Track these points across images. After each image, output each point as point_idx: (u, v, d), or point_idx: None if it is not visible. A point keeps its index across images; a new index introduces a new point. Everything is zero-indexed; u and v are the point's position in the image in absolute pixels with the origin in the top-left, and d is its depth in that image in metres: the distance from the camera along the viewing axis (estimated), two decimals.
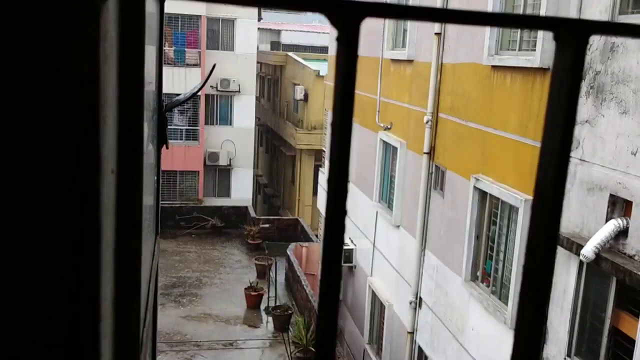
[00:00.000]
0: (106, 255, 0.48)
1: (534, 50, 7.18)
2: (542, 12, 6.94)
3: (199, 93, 24.62)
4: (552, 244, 0.49)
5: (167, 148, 1.56)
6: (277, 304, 16.53)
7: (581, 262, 6.11)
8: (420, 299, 10.40)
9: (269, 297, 16.80)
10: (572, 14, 6.38)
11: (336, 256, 0.48)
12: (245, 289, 17.22)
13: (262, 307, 17.02)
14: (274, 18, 44.45)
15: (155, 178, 1.50)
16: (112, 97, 0.49)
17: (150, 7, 1.24)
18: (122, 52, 0.55)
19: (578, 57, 0.47)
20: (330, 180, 0.45)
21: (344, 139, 0.47)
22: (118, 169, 0.58)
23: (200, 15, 24.70)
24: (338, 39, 0.46)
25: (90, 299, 0.47)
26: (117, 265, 0.61)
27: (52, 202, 0.40)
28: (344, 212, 0.48)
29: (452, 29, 9.45)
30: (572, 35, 0.46)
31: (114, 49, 0.49)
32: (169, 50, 24.63)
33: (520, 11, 7.70)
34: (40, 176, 0.40)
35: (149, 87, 1.28)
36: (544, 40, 6.90)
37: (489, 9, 8.11)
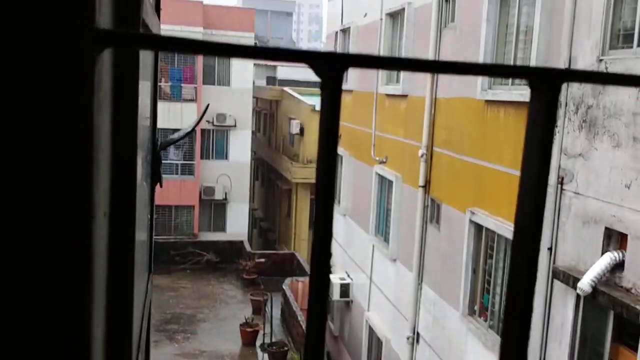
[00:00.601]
0: (98, 297, 0.49)
1: (527, 85, 7.29)
2: (534, 48, 7.07)
3: (194, 128, 24.76)
4: (531, 286, 0.50)
5: (160, 186, 1.57)
6: (273, 340, 16.29)
7: (578, 296, 6.08)
8: (418, 334, 10.29)
9: (264, 333, 16.57)
10: (564, 49, 6.51)
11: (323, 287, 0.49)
12: (241, 325, 16.99)
13: (258, 343, 16.77)
14: None
15: (149, 216, 1.50)
16: (106, 142, 0.51)
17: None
18: (115, 99, 0.57)
19: (551, 104, 0.49)
20: (314, 237, 0.46)
21: (327, 182, 0.49)
22: (110, 211, 0.59)
23: None
24: (321, 88, 0.48)
25: (81, 342, 0.48)
26: (109, 306, 0.61)
27: (43, 247, 0.41)
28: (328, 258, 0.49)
29: None
30: (545, 84, 0.49)
31: (107, 96, 0.50)
32: (165, 86, 24.88)
33: (512, 48, 7.86)
34: (32, 221, 0.41)
35: (144, 125, 1.30)
36: None
37: (481, 49, 8.26)
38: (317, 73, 0.47)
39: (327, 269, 0.53)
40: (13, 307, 0.43)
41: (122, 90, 0.61)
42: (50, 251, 0.42)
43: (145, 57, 1.39)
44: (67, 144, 0.41)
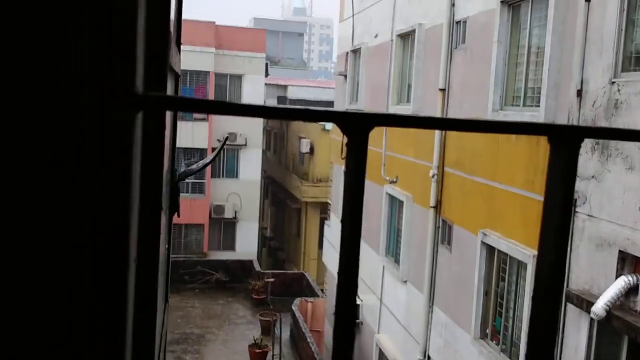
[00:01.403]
0: (126, 345, 0.50)
1: (538, 106, 7.30)
2: (545, 70, 7.08)
3: (206, 147, 24.93)
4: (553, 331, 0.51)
5: (178, 216, 1.59)
6: None
7: (592, 320, 6.00)
8: (429, 357, 10.17)
9: (273, 355, 16.45)
10: (575, 71, 6.51)
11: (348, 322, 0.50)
12: (249, 346, 16.89)
13: None
14: (281, 74, 45.46)
15: (167, 246, 1.52)
16: (136, 194, 0.52)
17: (169, 82, 1.30)
18: (144, 152, 0.59)
19: (571, 160, 0.50)
20: (339, 288, 0.47)
21: (353, 234, 0.50)
22: (138, 259, 0.61)
23: (208, 72, 25.30)
24: (347, 145, 0.49)
25: None
26: (134, 348, 0.63)
27: (82, 294, 0.43)
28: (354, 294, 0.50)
29: (456, 85, 9.63)
30: (565, 140, 0.50)
31: (138, 151, 0.52)
32: None
33: (523, 69, 7.87)
34: (82, 272, 0.43)
35: (165, 159, 1.32)
36: (548, 96, 7.02)
37: (492, 70, 8.29)
38: (343, 131, 0.49)
39: (353, 317, 0.53)
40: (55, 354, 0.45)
41: (150, 143, 0.63)
42: (90, 298, 0.44)
43: (172, 84, 1.41)
44: (107, 195, 0.43)
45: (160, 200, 0.71)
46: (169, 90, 1.07)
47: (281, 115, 0.46)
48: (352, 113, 0.47)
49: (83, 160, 0.43)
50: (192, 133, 24.59)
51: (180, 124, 24.83)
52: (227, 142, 25.69)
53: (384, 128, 12.54)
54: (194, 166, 2.89)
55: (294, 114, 0.47)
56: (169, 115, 1.41)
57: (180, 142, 24.29)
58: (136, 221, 0.55)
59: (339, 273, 0.52)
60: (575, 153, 0.50)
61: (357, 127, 0.47)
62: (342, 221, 0.50)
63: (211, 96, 25.36)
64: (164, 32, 0.69)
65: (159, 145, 0.67)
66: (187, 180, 25.58)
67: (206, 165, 3.17)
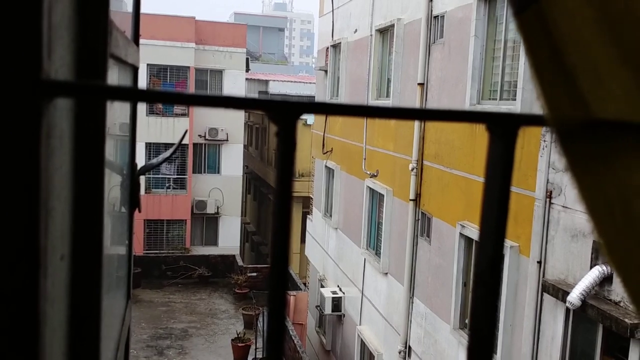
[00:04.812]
0: (52, 349, 0.48)
1: (514, 99, 7.36)
2: (521, 63, 7.13)
3: (187, 143, 24.75)
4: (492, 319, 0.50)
5: (139, 211, 1.57)
6: (265, 355, 16.16)
7: (568, 309, 6.09)
8: (410, 347, 10.25)
9: (256, 348, 16.45)
10: None
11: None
12: (232, 340, 16.87)
13: (250, 358, 16.63)
14: (262, 69, 45.26)
15: (127, 242, 1.49)
16: (63, 186, 0.50)
17: (123, 74, 1.27)
18: (78, 141, 0.57)
19: (509, 147, 0.49)
20: (270, 277, 0.46)
21: (282, 219, 0.49)
22: (72, 253, 0.59)
23: (188, 67, 25.09)
24: (277, 134, 0.48)
25: None
26: (71, 347, 0.61)
27: None
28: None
29: (434, 79, 9.67)
30: (503, 127, 0.49)
31: (65, 136, 0.50)
32: None
33: (500, 63, 7.93)
34: None
35: (123, 146, 1.29)
36: (524, 89, 7.08)
37: (469, 64, 8.33)
38: (272, 120, 0.47)
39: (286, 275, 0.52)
40: None
41: (85, 132, 0.60)
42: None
43: (125, 77, 1.38)
44: (11, 196, 0.41)
45: (101, 194, 0.69)
46: (117, 82, 1.04)
47: (207, 103, 0.45)
48: (279, 101, 0.46)
49: None
50: (173, 128, 24.39)
51: (161, 120, 24.73)
52: (209, 138, 25.53)
53: (364, 122, 12.55)
54: (154, 160, 2.86)
55: (220, 102, 0.45)
56: (125, 107, 1.38)
57: (161, 138, 24.13)
58: (65, 215, 0.53)
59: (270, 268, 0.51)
60: (512, 141, 0.49)
61: (285, 115, 0.46)
62: (273, 210, 0.49)
63: (192, 92, 25.13)
64: (100, 19, 0.66)
65: (97, 136, 0.64)
66: (168, 176, 25.38)
67: (166, 159, 3.14)
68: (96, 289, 0.66)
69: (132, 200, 1.43)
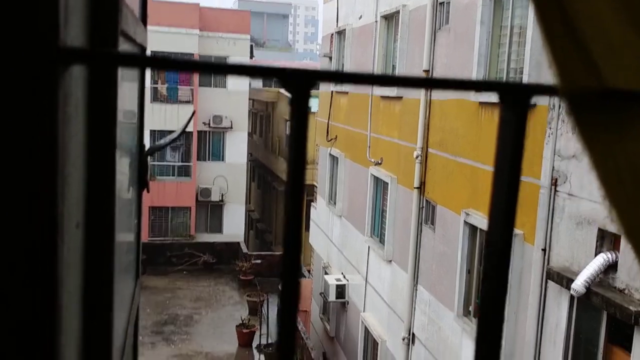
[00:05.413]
0: (69, 312, 0.49)
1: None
2: (527, 49, 7.09)
3: (191, 130, 24.75)
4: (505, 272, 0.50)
5: (147, 192, 1.57)
6: (270, 341, 16.29)
7: (572, 297, 6.10)
8: (413, 334, 10.30)
9: (261, 334, 16.57)
10: None
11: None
12: (237, 326, 16.98)
13: (254, 344, 16.76)
14: (266, 56, 45.09)
15: (136, 221, 1.51)
16: (78, 150, 0.51)
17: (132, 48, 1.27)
18: (91, 110, 0.58)
19: (520, 117, 0.49)
20: (285, 234, 0.46)
21: (296, 189, 0.49)
22: (86, 222, 0.59)
23: (192, 54, 25.01)
24: (291, 103, 0.49)
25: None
26: (85, 316, 0.61)
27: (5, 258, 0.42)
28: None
29: (440, 66, 9.62)
30: (515, 97, 0.49)
31: (80, 105, 0.51)
32: (161, 88, 24.85)
33: (506, 49, 7.88)
34: None
35: (129, 130, 1.30)
36: (530, 75, 7.04)
37: (475, 50, 8.28)
38: (286, 88, 0.48)
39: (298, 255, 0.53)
40: None
41: (98, 101, 0.61)
42: (14, 259, 0.42)
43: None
44: (29, 162, 0.41)
45: (113, 157, 0.69)
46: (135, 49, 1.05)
47: (220, 71, 0.45)
48: (294, 69, 0.46)
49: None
50: (177, 116, 24.38)
51: (166, 107, 24.70)
52: (213, 125, 25.51)
53: (369, 110, 12.52)
54: (162, 141, 2.86)
55: (233, 70, 0.46)
56: (133, 92, 1.38)
57: (166, 125, 24.12)
58: (80, 183, 0.54)
59: (283, 237, 0.52)
60: (524, 110, 0.49)
61: (299, 83, 0.46)
62: (286, 178, 0.50)
63: (195, 79, 25.12)
64: None
65: (109, 98, 0.64)
66: (173, 164, 25.41)
67: (173, 140, 3.15)
68: (109, 257, 0.67)
69: (141, 181, 1.44)
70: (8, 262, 0.42)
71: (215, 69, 0.45)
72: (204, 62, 0.43)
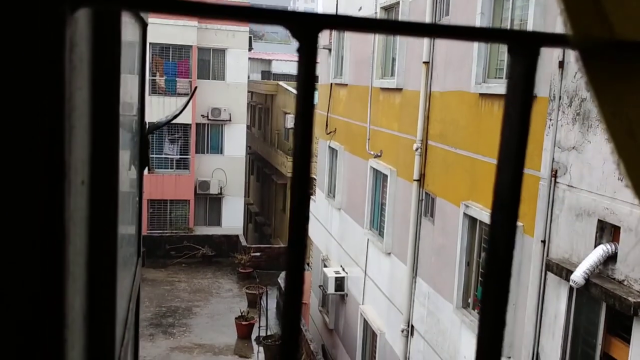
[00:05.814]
0: (76, 264, 0.49)
1: None
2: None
3: (190, 123, 24.71)
4: (510, 250, 0.50)
5: (149, 171, 1.57)
6: (269, 333, 16.33)
7: (571, 288, 6.11)
8: (412, 326, 10.32)
9: (260, 327, 16.60)
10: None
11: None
12: (236, 318, 17.02)
13: (253, 336, 16.80)
14: (265, 48, 44.94)
15: (137, 199, 1.50)
16: (83, 108, 0.50)
17: (132, 29, 1.26)
18: (95, 62, 0.57)
19: (530, 67, 0.49)
20: (293, 187, 0.46)
21: (305, 145, 0.49)
22: (91, 181, 0.59)
23: (191, 46, 24.94)
24: (298, 50, 0.48)
25: (55, 313, 0.47)
26: (90, 276, 0.61)
27: (13, 206, 0.41)
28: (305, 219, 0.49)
29: (440, 58, 9.60)
30: (524, 47, 0.49)
31: (85, 58, 0.50)
32: (160, 80, 24.78)
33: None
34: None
35: (131, 107, 1.29)
36: None
37: (475, 52, 8.25)
38: (293, 34, 0.47)
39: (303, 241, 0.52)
40: None
41: (102, 54, 0.60)
42: (21, 211, 0.42)
43: (133, 35, 1.37)
44: (37, 106, 0.41)
45: (117, 113, 0.69)
46: (134, 29, 1.04)
47: (223, 15, 0.44)
48: (302, 13, 0.45)
49: (5, 53, 0.40)
50: (176, 107, 24.31)
51: (164, 99, 24.62)
52: (212, 118, 25.47)
53: (368, 102, 12.50)
54: (163, 118, 2.85)
55: (238, 13, 0.45)
56: (134, 82, 1.37)
57: (164, 117, 24.05)
58: (84, 140, 0.53)
59: (291, 187, 0.51)
60: (534, 60, 0.49)
61: (307, 28, 0.45)
62: (294, 131, 0.49)
63: (194, 71, 25.05)
64: None
65: (113, 50, 0.64)
66: (171, 156, 25.38)
67: (175, 116, 3.14)
68: (113, 216, 0.66)
69: (142, 158, 1.43)
70: (16, 213, 0.41)
71: (218, 12, 0.44)
72: (209, 4, 0.42)
